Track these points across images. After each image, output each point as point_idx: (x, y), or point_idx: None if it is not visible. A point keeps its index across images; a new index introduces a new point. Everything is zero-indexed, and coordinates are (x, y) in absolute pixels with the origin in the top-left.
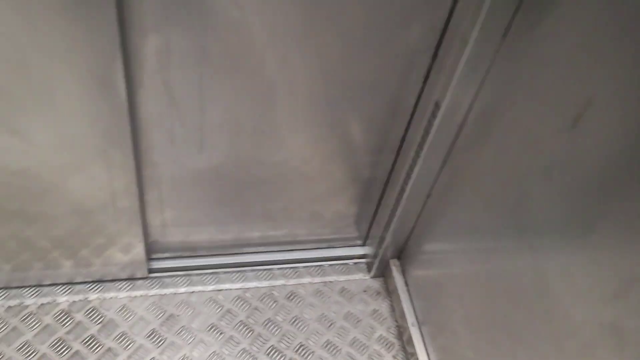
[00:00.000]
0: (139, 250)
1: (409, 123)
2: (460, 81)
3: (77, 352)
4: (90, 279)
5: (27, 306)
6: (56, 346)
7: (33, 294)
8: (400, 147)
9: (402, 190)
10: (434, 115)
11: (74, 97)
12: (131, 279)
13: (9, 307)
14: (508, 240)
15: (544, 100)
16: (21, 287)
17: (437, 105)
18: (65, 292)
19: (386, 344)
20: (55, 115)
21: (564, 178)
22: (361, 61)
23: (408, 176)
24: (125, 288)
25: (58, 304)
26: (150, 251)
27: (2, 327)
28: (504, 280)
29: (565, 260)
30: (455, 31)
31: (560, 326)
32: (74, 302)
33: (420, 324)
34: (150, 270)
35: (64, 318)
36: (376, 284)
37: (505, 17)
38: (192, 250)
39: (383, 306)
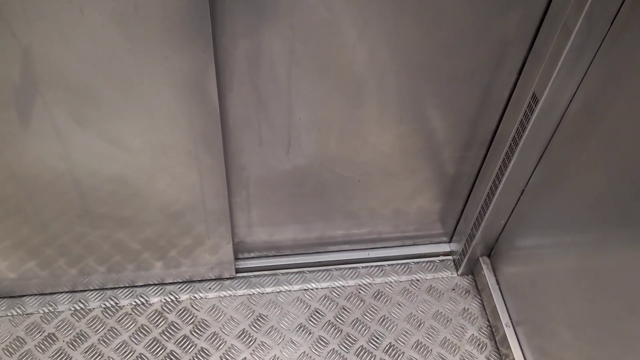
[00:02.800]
0: (226, 251)
1: (502, 116)
2: (562, 73)
3: (171, 352)
4: (180, 280)
5: (122, 307)
6: (151, 346)
7: (127, 295)
8: (492, 141)
9: (495, 185)
10: (530, 108)
11: (168, 104)
12: (219, 278)
13: (106, 307)
14: (618, 235)
15: None
16: (116, 287)
17: (534, 98)
18: (157, 292)
19: (478, 345)
20: (151, 123)
21: None
22: (451, 54)
23: (501, 171)
24: (214, 288)
25: (151, 304)
26: (237, 251)
27: (100, 328)
28: (614, 278)
29: None
30: (555, 19)
31: None
32: (166, 302)
33: (514, 324)
34: (238, 270)
35: (157, 318)
36: (465, 282)
37: (613, 4)
38: (277, 250)
39: (473, 305)
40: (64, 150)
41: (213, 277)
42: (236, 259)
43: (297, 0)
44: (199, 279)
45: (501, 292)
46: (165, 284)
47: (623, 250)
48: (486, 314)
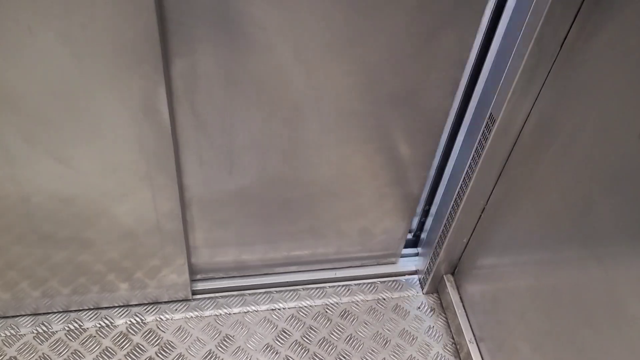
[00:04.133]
0: (182, 272)
1: (454, 136)
2: (516, 93)
3: None
4: (145, 301)
5: (86, 329)
6: None
7: (92, 317)
8: (446, 160)
9: (457, 204)
10: (488, 128)
11: (119, 124)
12: (185, 300)
13: (70, 329)
14: (573, 251)
15: (607, 110)
16: (80, 310)
17: (491, 118)
18: (122, 314)
19: None
20: (102, 143)
21: (632, 187)
22: (387, 75)
23: (462, 190)
24: (180, 309)
25: (116, 326)
26: (196, 272)
27: (63, 351)
28: (569, 294)
29: (638, 271)
30: (509, 43)
31: (635, 342)
32: (132, 323)
33: (478, 341)
34: (195, 292)
35: (122, 340)
36: (430, 300)
37: (562, 28)
38: (235, 271)
39: (438, 323)
40: (14, 172)
41: (176, 299)
42: (195, 280)
43: (237, 21)
44: (165, 301)
45: (465, 310)
46: (131, 305)
47: (576, 267)
48: (451, 331)
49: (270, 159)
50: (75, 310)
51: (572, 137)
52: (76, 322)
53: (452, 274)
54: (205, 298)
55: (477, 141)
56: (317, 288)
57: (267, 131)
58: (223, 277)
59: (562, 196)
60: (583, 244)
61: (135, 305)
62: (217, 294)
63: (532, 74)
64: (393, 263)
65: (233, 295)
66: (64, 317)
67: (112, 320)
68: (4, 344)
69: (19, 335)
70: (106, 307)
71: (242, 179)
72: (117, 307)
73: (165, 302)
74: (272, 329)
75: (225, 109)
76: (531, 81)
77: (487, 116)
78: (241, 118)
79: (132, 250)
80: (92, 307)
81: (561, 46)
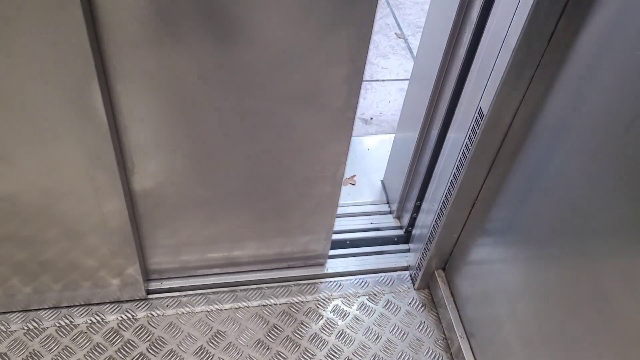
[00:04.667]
0: (134, 272)
1: (445, 131)
2: (505, 88)
3: None
4: (83, 302)
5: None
6: None
7: (52, 316)
8: (437, 156)
9: (447, 199)
10: (477, 122)
11: (57, 121)
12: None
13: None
14: (561, 247)
15: (595, 105)
16: (40, 309)
17: (480, 112)
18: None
19: (435, 357)
20: (39, 139)
21: (618, 183)
22: (288, 73)
23: (452, 185)
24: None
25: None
26: (150, 272)
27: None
28: (559, 288)
29: (625, 265)
30: (496, 37)
31: (622, 336)
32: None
33: (469, 336)
34: (150, 292)
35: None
36: (421, 296)
37: (549, 23)
38: (190, 270)
39: (429, 318)
40: None
41: (124, 299)
42: (150, 279)
43: (166, 19)
44: (110, 301)
45: (456, 305)
46: (62, 307)
47: (564, 262)
48: (442, 326)
49: (186, 160)
50: (35, 310)
51: (560, 131)
52: (35, 322)
53: (443, 269)
54: (160, 297)
55: (467, 136)
56: (308, 284)
57: (167, 131)
58: (179, 277)
59: (551, 192)
60: (571, 239)
61: (68, 306)
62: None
63: (520, 68)
64: (321, 264)
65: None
66: (23, 316)
67: (72, 320)
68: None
69: (9, 331)
70: (66, 306)
71: (185, 178)
72: (77, 305)
73: (108, 303)
74: (262, 324)
75: (161, 107)
76: (520, 76)
77: (477, 111)
78: (177, 117)
79: (77, 248)
80: (52, 306)
81: (549, 41)
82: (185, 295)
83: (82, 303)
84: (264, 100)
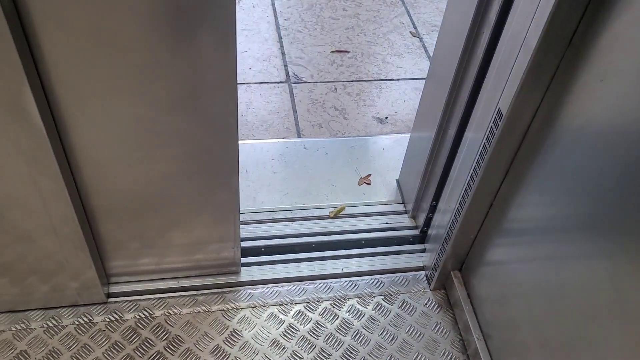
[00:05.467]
0: (90, 276)
1: (462, 131)
2: (524, 88)
3: None
4: (40, 306)
5: (2, 331)
6: None
7: (8, 320)
8: (453, 156)
9: (464, 200)
10: (496, 123)
11: None
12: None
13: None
14: (580, 248)
15: (616, 105)
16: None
17: (499, 113)
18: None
19: (451, 358)
20: None
21: None
22: (159, 78)
23: (469, 185)
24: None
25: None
26: (111, 275)
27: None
28: (576, 290)
29: None
30: (517, 37)
31: None
32: (17, 330)
33: (486, 337)
34: (111, 295)
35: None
36: (437, 297)
37: (570, 23)
38: (151, 274)
39: (446, 319)
40: None
41: (82, 303)
42: (111, 283)
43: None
44: (68, 305)
45: (472, 306)
46: (49, 308)
47: (583, 263)
48: (458, 328)
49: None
50: None
51: (580, 133)
52: None
53: (460, 270)
54: (120, 301)
55: (485, 136)
56: (323, 284)
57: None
58: (139, 280)
59: (570, 192)
60: (590, 240)
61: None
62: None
63: (540, 69)
64: (235, 273)
65: (150, 299)
66: None
67: (28, 324)
68: (15, 337)
69: (30, 329)
70: (23, 310)
71: (126, 184)
72: (34, 309)
73: (84, 305)
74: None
75: (97, 109)
76: (539, 77)
77: (495, 111)
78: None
79: (32, 253)
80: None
81: (570, 42)
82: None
83: (39, 307)
84: (145, 106)
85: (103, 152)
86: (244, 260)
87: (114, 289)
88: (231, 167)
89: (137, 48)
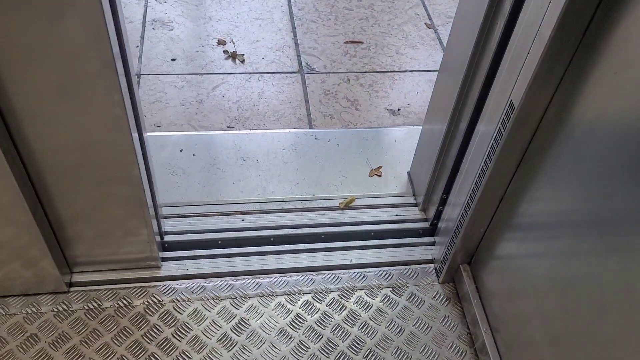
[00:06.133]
0: (48, 265)
1: (474, 123)
2: (537, 80)
3: None
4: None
5: None
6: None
7: None
8: (465, 148)
9: (474, 193)
10: (507, 115)
11: None
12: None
13: None
14: (590, 243)
15: (631, 99)
16: None
17: (511, 105)
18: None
19: (458, 351)
20: None
21: None
22: (35, 67)
23: (480, 178)
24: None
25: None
26: (73, 265)
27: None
28: (588, 286)
29: None
30: (530, 28)
31: None
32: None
33: (493, 331)
34: (73, 284)
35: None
36: (446, 290)
37: (585, 14)
38: (108, 265)
39: (454, 312)
40: None
41: (46, 291)
42: (74, 272)
43: None
44: (33, 293)
45: (481, 300)
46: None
47: (593, 258)
48: (466, 321)
49: None
50: None
51: (593, 126)
52: None
53: (469, 263)
54: (74, 291)
55: (496, 129)
56: (332, 274)
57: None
58: (99, 270)
59: (582, 187)
60: (600, 235)
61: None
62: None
63: (553, 61)
64: (156, 267)
65: (104, 290)
66: None
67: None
68: (25, 321)
69: (40, 313)
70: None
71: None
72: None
73: (39, 294)
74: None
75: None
76: (552, 69)
77: (507, 104)
78: None
79: None
80: None
81: (584, 33)
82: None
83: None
84: (27, 96)
85: None
86: (251, 249)
87: (77, 278)
88: (130, 160)
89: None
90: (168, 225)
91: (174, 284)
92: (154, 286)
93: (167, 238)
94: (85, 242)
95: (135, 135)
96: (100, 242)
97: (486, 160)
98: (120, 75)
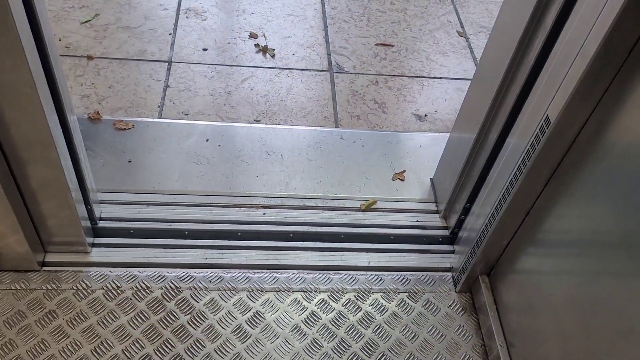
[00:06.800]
0: (16, 242)
1: (505, 134)
2: (576, 97)
3: None
4: None
5: None
6: None
7: None
8: (493, 159)
9: (500, 205)
10: (542, 130)
11: None
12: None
13: None
14: (618, 264)
15: None
16: None
17: (547, 120)
18: None
19: None
20: None
21: None
22: None
23: (508, 190)
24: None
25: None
26: (46, 244)
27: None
28: (610, 308)
29: None
30: (573, 44)
31: None
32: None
33: (509, 345)
34: (44, 264)
35: None
36: (462, 300)
37: (633, 33)
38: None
39: (469, 323)
40: None
41: (20, 269)
42: (49, 251)
43: None
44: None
45: (498, 312)
46: None
47: (620, 280)
48: (481, 333)
49: None
50: None
51: (631, 148)
52: None
53: (488, 275)
54: (44, 271)
55: (529, 143)
56: (349, 275)
57: None
58: (72, 252)
59: (614, 207)
60: (630, 257)
61: None
62: (58, 268)
63: (595, 79)
64: (84, 252)
65: (65, 271)
66: None
67: None
68: (45, 297)
69: (60, 290)
70: None
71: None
72: None
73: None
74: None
75: None
76: (593, 86)
77: (543, 118)
78: None
79: None
80: None
81: (629, 52)
82: (56, 272)
83: None
84: None
85: None
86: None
87: (51, 258)
88: (45, 141)
89: None
90: (182, 213)
91: (192, 271)
92: (170, 273)
93: (186, 226)
94: (44, 222)
95: (53, 117)
96: (46, 224)
97: (516, 173)
98: (28, 53)
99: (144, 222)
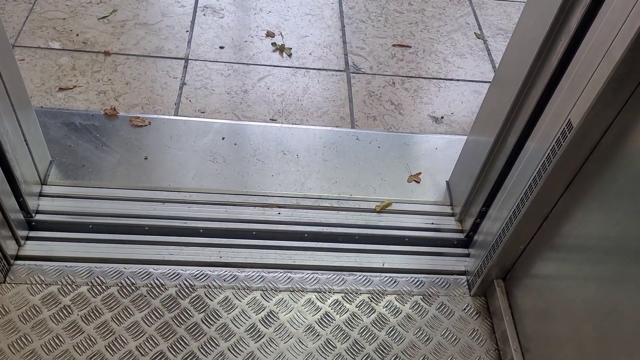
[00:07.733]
0: None
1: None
2: (600, 102)
3: None
4: None
5: None
6: None
7: None
8: (511, 163)
9: (518, 209)
10: (564, 134)
11: None
12: None
13: None
14: (638, 271)
15: None
16: None
17: (569, 124)
18: None
19: None
20: None
21: None
22: None
23: (527, 195)
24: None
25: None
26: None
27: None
28: (631, 315)
29: None
30: (598, 48)
31: None
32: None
33: (523, 351)
34: (17, 257)
35: None
36: (477, 303)
37: None
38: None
39: (483, 327)
40: None
41: None
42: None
43: None
44: None
45: (513, 317)
46: None
47: None
48: (495, 337)
49: None
50: None
51: None
52: None
53: (503, 279)
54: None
55: (550, 147)
56: (363, 277)
57: None
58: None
59: (637, 213)
60: None
61: None
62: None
63: (620, 83)
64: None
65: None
66: None
67: None
68: (60, 292)
69: (75, 285)
70: None
71: None
72: None
73: None
74: (318, 310)
75: None
76: (618, 91)
77: (565, 123)
78: None
79: None
80: None
81: None
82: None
83: None
84: None
85: None
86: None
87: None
88: None
89: None
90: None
91: (207, 270)
92: (186, 270)
93: (201, 224)
94: None
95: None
96: None
97: (535, 177)
98: None
99: (159, 220)
